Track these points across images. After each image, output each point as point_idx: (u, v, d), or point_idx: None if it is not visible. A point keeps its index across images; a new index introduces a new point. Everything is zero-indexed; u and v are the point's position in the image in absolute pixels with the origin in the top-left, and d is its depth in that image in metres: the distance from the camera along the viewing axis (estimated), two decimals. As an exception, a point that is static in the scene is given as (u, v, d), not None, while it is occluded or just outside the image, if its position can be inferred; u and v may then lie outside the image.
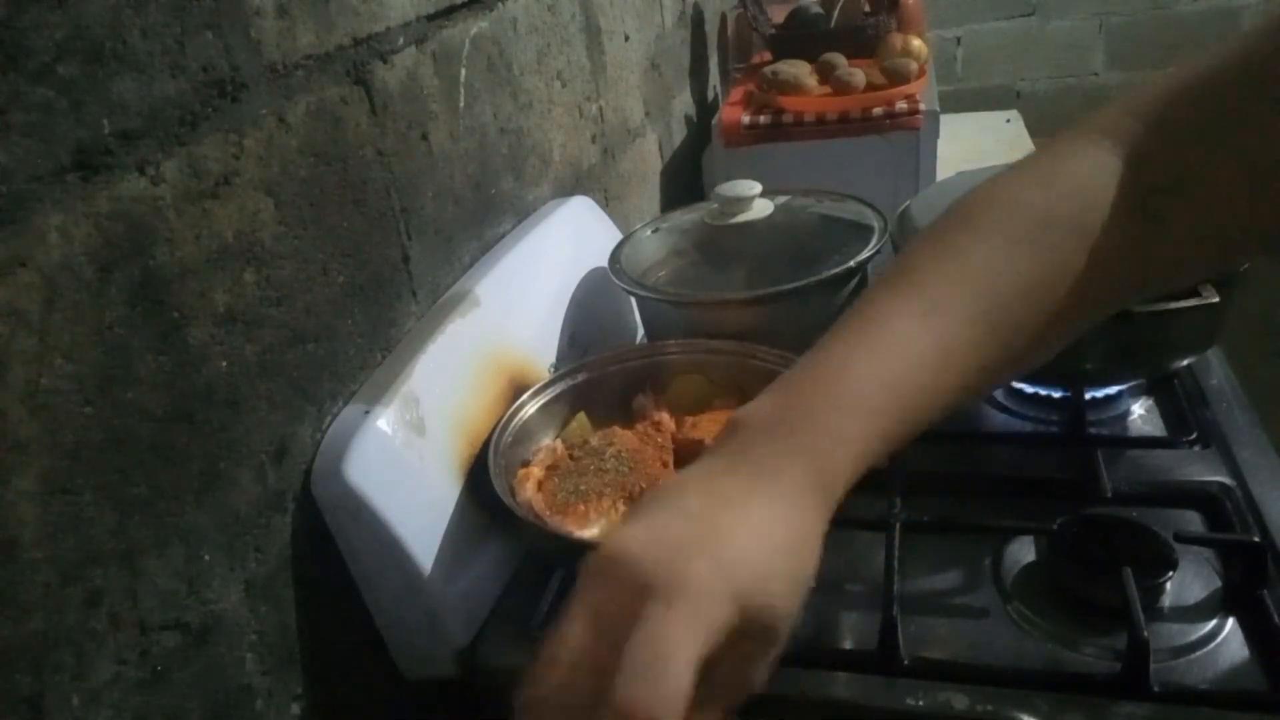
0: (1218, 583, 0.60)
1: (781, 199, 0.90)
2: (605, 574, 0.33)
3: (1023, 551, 0.65)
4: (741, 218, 0.87)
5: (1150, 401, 0.80)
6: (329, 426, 0.59)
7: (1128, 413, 0.78)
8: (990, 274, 0.41)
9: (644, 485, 0.64)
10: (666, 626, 0.30)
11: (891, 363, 0.39)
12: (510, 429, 0.68)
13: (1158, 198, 0.43)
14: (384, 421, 0.59)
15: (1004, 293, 0.41)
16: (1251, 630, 0.57)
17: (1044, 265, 0.42)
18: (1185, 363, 0.78)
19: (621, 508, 0.63)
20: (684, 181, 1.45)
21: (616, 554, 0.33)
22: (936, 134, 1.29)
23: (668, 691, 0.29)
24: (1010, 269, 0.41)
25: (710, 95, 1.68)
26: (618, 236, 0.94)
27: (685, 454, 0.68)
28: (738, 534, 0.33)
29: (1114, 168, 0.43)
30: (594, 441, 0.69)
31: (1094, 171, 0.43)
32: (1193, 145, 0.43)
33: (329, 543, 0.58)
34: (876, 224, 0.83)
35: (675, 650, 0.30)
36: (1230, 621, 0.58)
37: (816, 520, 0.36)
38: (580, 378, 0.75)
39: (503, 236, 0.84)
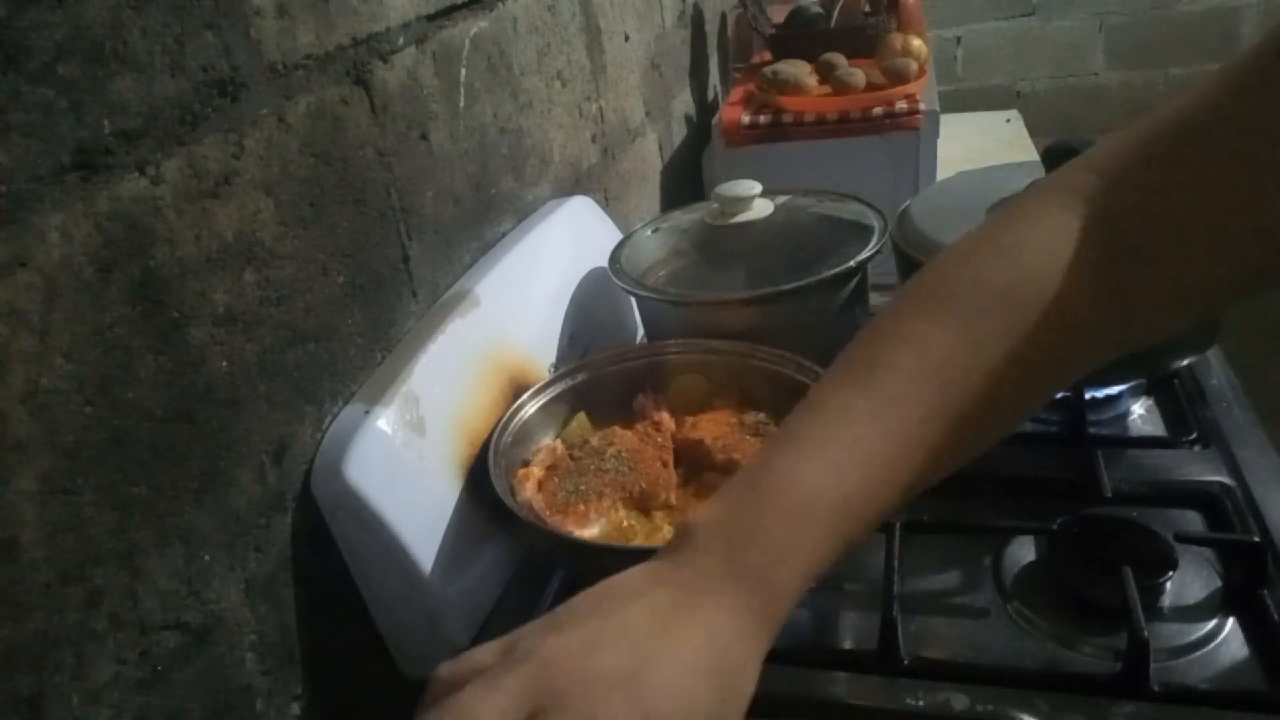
0: (1218, 583, 0.60)
1: (781, 199, 0.90)
2: (532, 674, 0.33)
3: (1023, 551, 0.65)
4: (741, 218, 0.87)
5: (1150, 401, 0.80)
6: (329, 426, 0.59)
7: (1128, 413, 0.78)
8: (951, 365, 0.40)
9: (644, 485, 0.64)
10: None
11: (844, 472, 0.39)
12: (510, 429, 0.68)
13: (1123, 258, 0.42)
14: (384, 421, 0.59)
15: (965, 383, 0.40)
16: (1251, 630, 0.57)
17: (1009, 347, 0.41)
18: (1185, 363, 0.78)
19: (621, 508, 0.64)
20: (684, 181, 1.45)
21: (549, 660, 0.33)
22: (936, 134, 1.29)
23: None
24: (974, 357, 0.40)
25: (710, 95, 1.68)
26: (618, 236, 0.94)
27: (685, 454, 0.68)
28: (664, 670, 0.33)
29: (1078, 231, 0.43)
30: (594, 441, 0.69)
31: (1058, 238, 0.43)
32: (1155, 200, 0.42)
33: (329, 543, 0.58)
34: (876, 224, 0.83)
35: None
36: (1230, 621, 0.58)
37: (753, 648, 0.36)
38: (580, 378, 0.75)
39: (503, 236, 0.84)
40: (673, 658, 0.34)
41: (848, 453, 0.39)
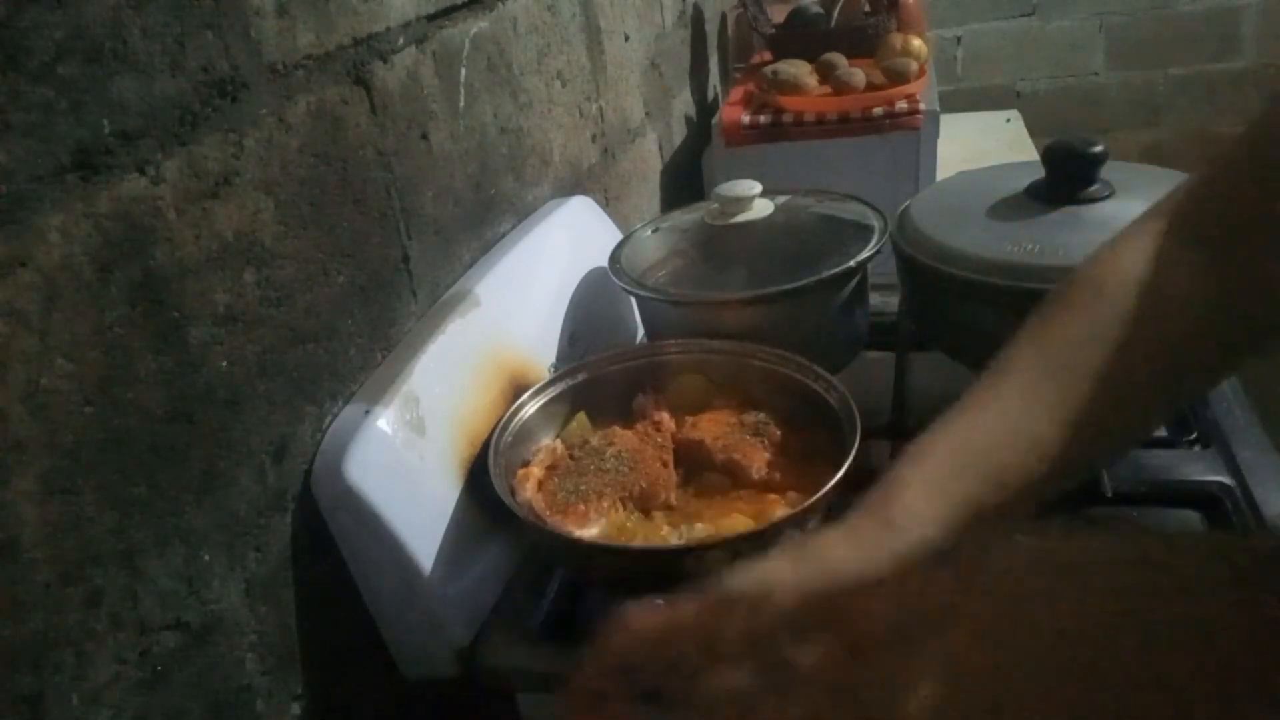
0: (1218, 583, 0.60)
1: (781, 199, 0.90)
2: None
3: (1023, 551, 0.65)
4: (741, 218, 0.87)
5: (1150, 401, 0.80)
6: (329, 426, 0.59)
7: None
8: (1075, 350, 0.45)
9: (644, 485, 0.64)
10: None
11: (968, 445, 0.44)
12: (510, 429, 0.68)
13: (1218, 262, 0.46)
14: (384, 421, 0.59)
15: (1085, 367, 0.45)
16: (1251, 630, 0.57)
17: (1134, 343, 0.45)
18: (1185, 363, 0.78)
19: (621, 508, 0.63)
20: (684, 181, 1.45)
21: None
22: (936, 134, 1.29)
23: None
24: (1097, 350, 0.45)
25: (710, 95, 1.68)
26: (618, 236, 0.94)
27: (685, 454, 0.68)
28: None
29: (1187, 258, 0.47)
30: (594, 441, 0.69)
31: (1159, 259, 0.47)
32: (1240, 231, 0.46)
33: (329, 543, 0.58)
34: (876, 224, 0.83)
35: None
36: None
37: (853, 552, 0.41)
38: (580, 378, 0.75)
39: (503, 236, 0.84)
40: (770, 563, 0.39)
41: (974, 427, 0.45)
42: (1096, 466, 0.49)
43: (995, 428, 0.44)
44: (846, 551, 0.40)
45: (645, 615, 0.36)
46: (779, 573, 0.39)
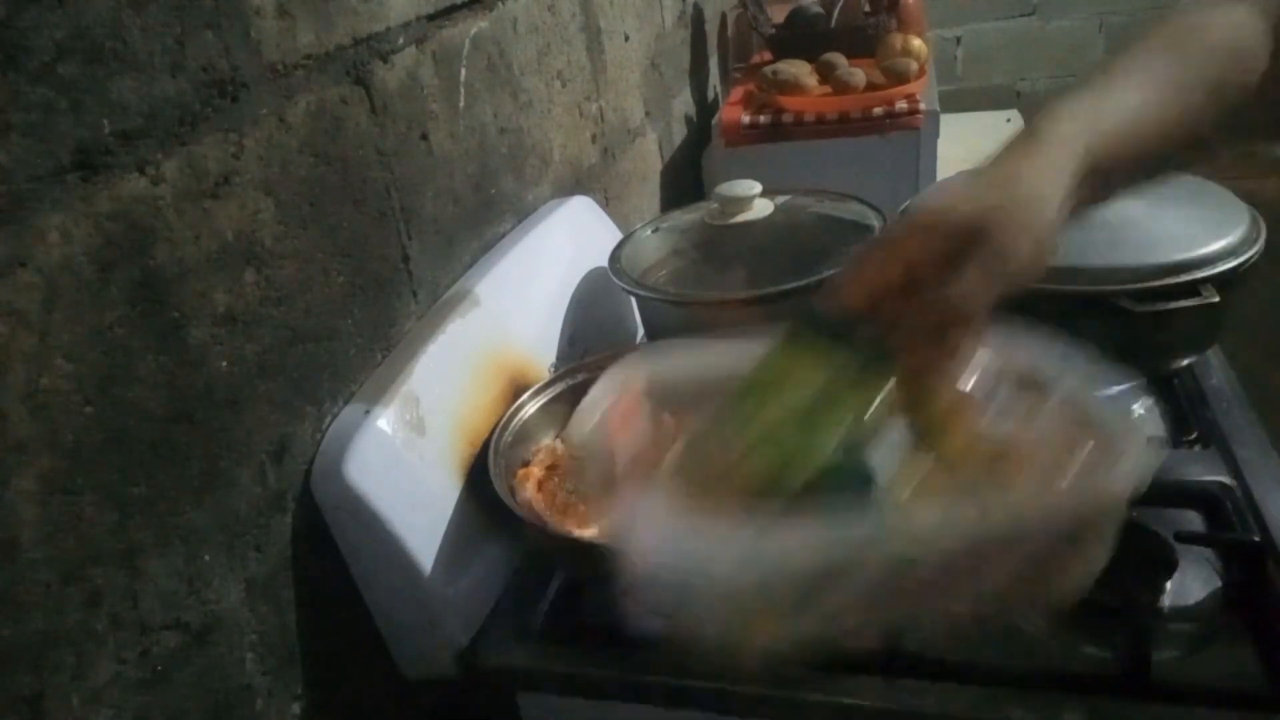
0: (1218, 583, 0.60)
1: (781, 199, 0.90)
2: (936, 224, 0.46)
3: (1023, 551, 0.65)
4: (741, 218, 0.87)
5: (1150, 401, 0.80)
6: (329, 426, 0.59)
7: (1128, 413, 0.78)
8: (1198, 67, 0.52)
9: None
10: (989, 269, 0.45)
11: (1097, 117, 0.50)
12: (510, 429, 0.68)
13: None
14: (384, 421, 0.59)
15: (1200, 80, 0.52)
16: (1251, 630, 0.57)
17: (1210, 76, 0.52)
18: (1185, 363, 0.78)
19: (621, 508, 0.64)
20: (684, 181, 1.45)
21: (945, 212, 0.47)
22: (936, 134, 1.29)
23: (983, 305, 0.46)
24: (1188, 75, 0.52)
25: (710, 95, 1.68)
26: (618, 236, 0.94)
27: (685, 454, 0.68)
28: (1025, 210, 0.46)
29: (1257, 24, 0.53)
30: (594, 441, 0.69)
31: (1241, 21, 0.54)
32: None
33: (329, 543, 0.58)
34: (876, 224, 0.83)
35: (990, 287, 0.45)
36: (1230, 621, 0.57)
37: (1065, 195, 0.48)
38: (580, 378, 0.74)
39: (503, 236, 0.84)
40: (1029, 205, 0.47)
41: (1092, 96, 0.52)
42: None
43: (1121, 108, 0.51)
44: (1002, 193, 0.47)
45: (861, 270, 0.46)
46: (962, 199, 0.46)
